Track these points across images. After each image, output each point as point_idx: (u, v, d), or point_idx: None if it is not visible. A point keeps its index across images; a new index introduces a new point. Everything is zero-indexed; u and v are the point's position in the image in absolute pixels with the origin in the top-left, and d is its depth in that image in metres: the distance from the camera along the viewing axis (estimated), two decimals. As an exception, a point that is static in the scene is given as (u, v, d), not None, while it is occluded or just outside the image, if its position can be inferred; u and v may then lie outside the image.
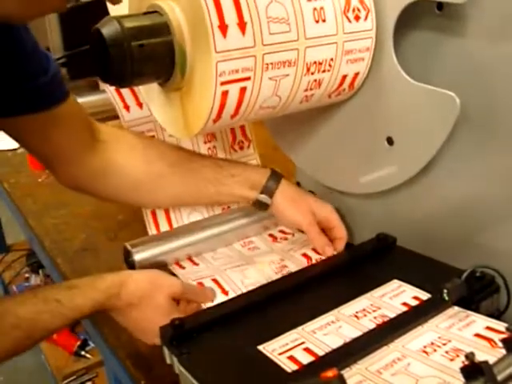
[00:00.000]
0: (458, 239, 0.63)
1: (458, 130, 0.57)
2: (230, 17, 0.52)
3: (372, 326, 0.54)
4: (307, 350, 0.52)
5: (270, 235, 0.82)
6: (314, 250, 0.74)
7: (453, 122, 0.56)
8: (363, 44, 0.61)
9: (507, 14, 0.52)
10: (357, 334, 0.53)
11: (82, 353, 1.60)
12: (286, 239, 0.80)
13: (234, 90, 0.54)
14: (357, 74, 0.64)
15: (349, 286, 0.64)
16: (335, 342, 0.52)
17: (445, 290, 0.53)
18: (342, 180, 0.74)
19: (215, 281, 0.69)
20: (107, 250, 0.91)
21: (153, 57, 0.55)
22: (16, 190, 1.20)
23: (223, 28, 0.52)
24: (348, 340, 0.52)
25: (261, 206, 0.75)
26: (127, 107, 0.79)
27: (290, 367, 0.49)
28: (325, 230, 0.74)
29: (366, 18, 0.60)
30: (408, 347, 0.50)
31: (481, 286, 0.56)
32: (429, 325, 0.53)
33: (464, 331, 0.51)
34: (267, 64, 0.55)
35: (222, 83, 0.53)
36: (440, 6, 0.57)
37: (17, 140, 0.70)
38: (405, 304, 0.57)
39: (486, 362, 0.38)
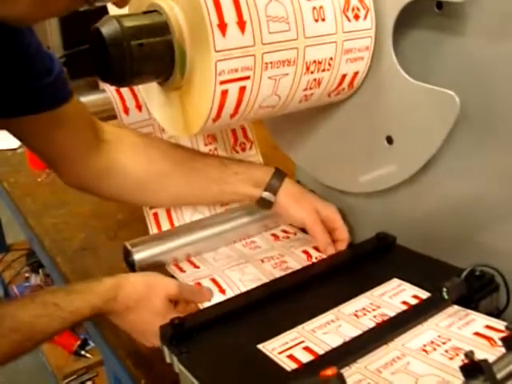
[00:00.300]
0: (457, 238, 0.63)
1: (457, 129, 0.57)
2: (230, 16, 0.52)
3: (372, 324, 0.54)
4: (307, 348, 0.52)
5: (273, 235, 0.81)
6: (315, 247, 0.74)
7: (452, 120, 0.56)
8: (363, 43, 0.61)
9: (506, 12, 0.52)
10: (356, 332, 0.53)
11: (82, 352, 1.60)
12: (287, 238, 0.80)
13: (233, 89, 0.54)
14: (356, 73, 0.64)
15: (349, 285, 0.64)
16: (335, 341, 0.52)
17: (444, 289, 0.53)
18: (342, 179, 0.74)
19: (213, 280, 0.69)
20: (107, 249, 0.91)
21: (152, 56, 0.55)
22: (16, 190, 1.20)
23: (223, 27, 0.52)
24: (348, 339, 0.52)
25: (264, 203, 0.75)
26: (126, 110, 0.80)
27: (289, 366, 0.49)
28: (328, 231, 0.74)
29: (365, 17, 0.60)
30: (408, 346, 0.50)
31: (480, 285, 0.56)
32: (428, 323, 0.53)
33: (463, 330, 0.51)
34: (267, 63, 0.55)
35: (222, 82, 0.53)
36: (439, 5, 0.57)
37: (21, 140, 0.71)
38: (404, 303, 0.57)
39: (485, 361, 0.38)
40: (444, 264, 0.61)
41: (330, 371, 0.38)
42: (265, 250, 0.76)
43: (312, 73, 0.60)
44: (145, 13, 0.57)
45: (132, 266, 0.73)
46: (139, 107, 0.80)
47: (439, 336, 0.51)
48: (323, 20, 0.58)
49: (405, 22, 0.59)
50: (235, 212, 0.81)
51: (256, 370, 0.51)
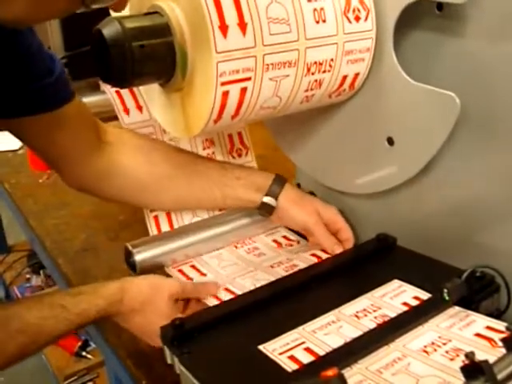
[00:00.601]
0: (458, 239, 0.63)
1: (458, 130, 0.57)
2: (231, 17, 0.52)
3: (372, 325, 0.54)
4: (308, 349, 0.52)
5: (274, 241, 0.80)
6: (324, 251, 0.73)
7: (453, 121, 0.56)
8: (363, 44, 0.61)
9: (507, 13, 0.52)
10: (357, 333, 0.53)
11: (83, 353, 1.61)
12: (291, 245, 0.79)
13: (234, 91, 0.54)
14: (357, 75, 0.64)
15: (349, 286, 0.64)
16: (336, 342, 0.52)
17: (445, 290, 0.53)
18: (343, 180, 0.74)
19: (228, 290, 0.68)
20: (108, 250, 0.91)
21: (153, 57, 0.55)
22: (17, 191, 1.20)
23: (224, 28, 0.52)
24: (348, 340, 0.52)
25: (266, 209, 0.74)
26: (127, 110, 0.80)
27: (290, 367, 0.49)
28: (331, 233, 0.74)
29: (366, 18, 0.61)
30: (408, 347, 0.50)
31: (481, 286, 0.56)
32: (429, 324, 0.53)
33: (464, 331, 0.52)
34: (268, 64, 0.55)
35: (223, 83, 0.53)
36: (440, 7, 0.57)
37: (22, 140, 0.71)
38: (405, 304, 0.57)
39: (486, 362, 0.38)
40: (445, 265, 0.62)
41: (330, 372, 0.38)
42: (271, 257, 0.75)
43: (313, 74, 0.60)
44: (146, 14, 0.57)
45: (133, 267, 0.73)
46: (140, 108, 0.80)
47: (440, 337, 0.51)
48: (324, 21, 0.58)
49: (405, 23, 0.60)
50: (236, 213, 0.81)
51: (257, 370, 0.51)
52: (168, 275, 0.73)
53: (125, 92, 0.79)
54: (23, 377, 1.71)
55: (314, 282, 0.63)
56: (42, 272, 1.90)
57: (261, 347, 0.52)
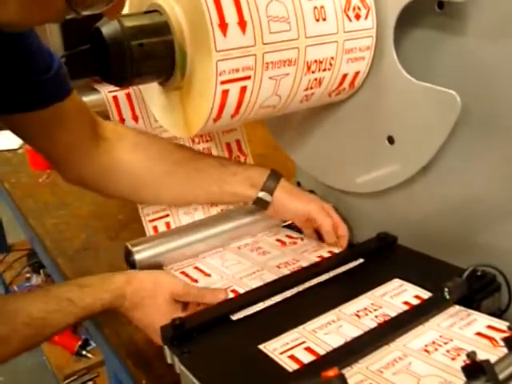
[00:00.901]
0: (458, 238, 0.63)
1: (458, 129, 0.57)
2: (231, 16, 0.52)
3: (373, 325, 0.54)
4: (308, 349, 0.51)
5: (278, 240, 0.80)
6: (330, 252, 0.73)
7: (454, 120, 0.56)
8: (364, 43, 0.61)
9: (507, 12, 0.52)
10: (358, 333, 0.53)
11: (83, 352, 1.60)
12: (295, 243, 0.78)
13: (234, 90, 0.54)
14: (357, 73, 0.64)
15: (350, 285, 0.64)
16: (336, 342, 0.52)
17: (446, 289, 0.53)
18: (343, 179, 0.74)
19: (235, 292, 0.66)
20: (108, 249, 0.91)
21: (153, 56, 0.55)
22: (16, 190, 1.20)
23: (223, 27, 0.51)
24: (349, 339, 0.52)
25: (261, 203, 0.75)
26: (122, 120, 0.80)
27: (291, 366, 0.49)
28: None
29: (366, 16, 0.60)
30: (409, 346, 0.50)
31: (482, 285, 0.56)
32: (430, 324, 0.53)
33: (465, 330, 0.51)
34: (267, 63, 0.55)
35: (222, 82, 0.53)
36: (440, 5, 0.57)
37: (21, 137, 0.71)
38: (406, 303, 0.57)
39: (487, 361, 0.38)
40: (445, 264, 0.61)
41: (331, 372, 0.38)
42: (276, 256, 0.74)
43: (313, 72, 0.59)
44: (145, 13, 0.57)
45: (133, 266, 0.73)
46: (135, 118, 0.80)
47: (441, 336, 0.51)
48: (324, 20, 0.58)
49: (406, 21, 0.59)
50: (236, 212, 0.81)
51: (257, 370, 0.51)
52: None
53: (122, 99, 0.79)
54: (23, 376, 1.71)
55: (314, 281, 0.63)
56: (41, 271, 1.90)
57: (261, 347, 0.52)
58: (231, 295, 0.65)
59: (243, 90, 0.55)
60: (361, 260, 0.67)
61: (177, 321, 0.55)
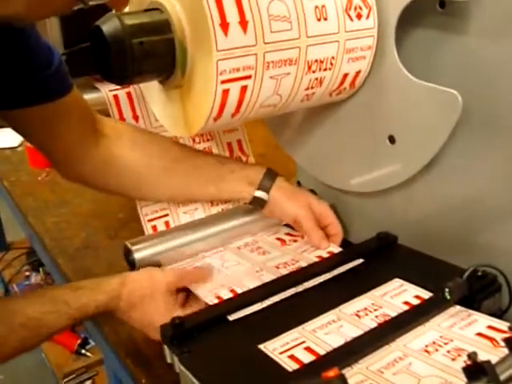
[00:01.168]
0: (459, 238, 0.62)
1: (460, 128, 0.57)
2: (232, 15, 0.52)
3: (373, 325, 0.54)
4: (308, 349, 0.51)
5: (278, 239, 0.79)
6: (329, 252, 0.73)
7: (455, 120, 0.56)
8: (365, 42, 0.61)
9: (509, 11, 0.52)
10: (358, 333, 0.53)
11: (83, 351, 1.61)
12: (295, 241, 0.78)
13: (234, 89, 0.54)
14: (358, 73, 0.63)
15: (350, 285, 0.64)
16: (336, 341, 0.52)
17: (446, 289, 0.53)
18: (344, 178, 0.74)
19: (233, 291, 0.66)
20: (107, 248, 0.91)
21: (153, 54, 0.55)
22: (16, 188, 1.20)
23: (224, 26, 0.51)
24: (349, 339, 0.52)
25: (258, 202, 0.75)
26: (123, 119, 0.80)
27: (290, 366, 0.49)
28: (320, 227, 0.74)
29: (367, 16, 0.60)
30: (409, 346, 0.50)
31: (482, 285, 0.55)
32: (430, 324, 0.53)
33: (466, 330, 0.51)
34: (268, 62, 0.55)
35: (223, 82, 0.53)
36: (442, 4, 0.57)
37: (22, 134, 0.71)
38: (406, 303, 0.57)
39: (488, 362, 0.37)
40: (446, 264, 0.61)
41: (331, 372, 0.38)
42: (276, 256, 0.74)
43: (314, 72, 0.59)
44: (146, 11, 0.57)
45: (133, 265, 0.73)
46: (136, 118, 0.80)
47: (441, 336, 0.51)
48: (325, 19, 0.58)
49: (407, 20, 0.59)
50: (236, 212, 0.81)
51: (257, 370, 0.50)
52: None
53: (123, 98, 0.79)
54: (22, 375, 1.71)
55: (315, 281, 0.63)
56: (41, 269, 1.91)
57: (261, 346, 0.52)
58: (230, 295, 0.65)
59: (244, 89, 0.55)
60: (361, 260, 0.67)
61: (176, 320, 0.55)
